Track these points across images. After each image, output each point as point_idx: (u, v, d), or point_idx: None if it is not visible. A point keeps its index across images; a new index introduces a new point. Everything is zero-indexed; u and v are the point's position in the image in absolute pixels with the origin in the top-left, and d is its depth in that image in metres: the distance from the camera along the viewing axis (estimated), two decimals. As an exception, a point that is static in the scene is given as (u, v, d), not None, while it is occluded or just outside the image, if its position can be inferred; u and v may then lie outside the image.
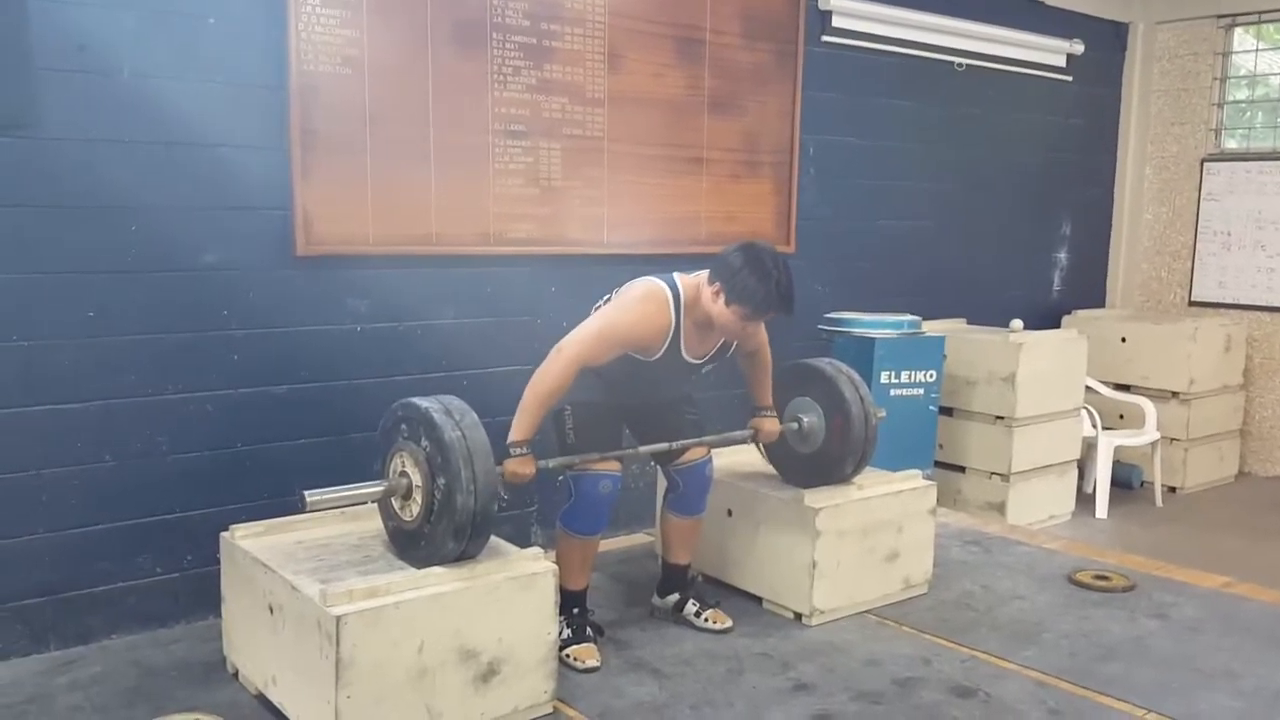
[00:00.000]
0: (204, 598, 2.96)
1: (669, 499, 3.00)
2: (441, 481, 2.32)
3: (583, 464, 2.70)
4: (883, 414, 3.13)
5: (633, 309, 2.64)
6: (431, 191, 3.35)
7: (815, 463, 3.12)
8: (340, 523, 2.77)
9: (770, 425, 3.05)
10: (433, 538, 2.37)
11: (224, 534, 2.65)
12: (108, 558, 2.89)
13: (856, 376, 3.11)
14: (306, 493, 2.34)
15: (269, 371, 3.10)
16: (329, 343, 3.20)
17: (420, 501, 2.38)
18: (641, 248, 3.85)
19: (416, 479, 2.39)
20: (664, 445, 2.85)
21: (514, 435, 2.55)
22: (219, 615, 2.72)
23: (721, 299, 2.59)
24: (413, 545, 2.44)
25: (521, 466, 2.54)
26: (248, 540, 2.59)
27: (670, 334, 2.66)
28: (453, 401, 2.43)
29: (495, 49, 3.44)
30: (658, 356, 2.69)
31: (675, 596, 3.02)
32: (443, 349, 3.45)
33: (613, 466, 2.74)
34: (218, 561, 2.68)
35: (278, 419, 3.12)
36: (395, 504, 2.47)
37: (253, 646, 2.52)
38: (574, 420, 2.76)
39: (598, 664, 2.67)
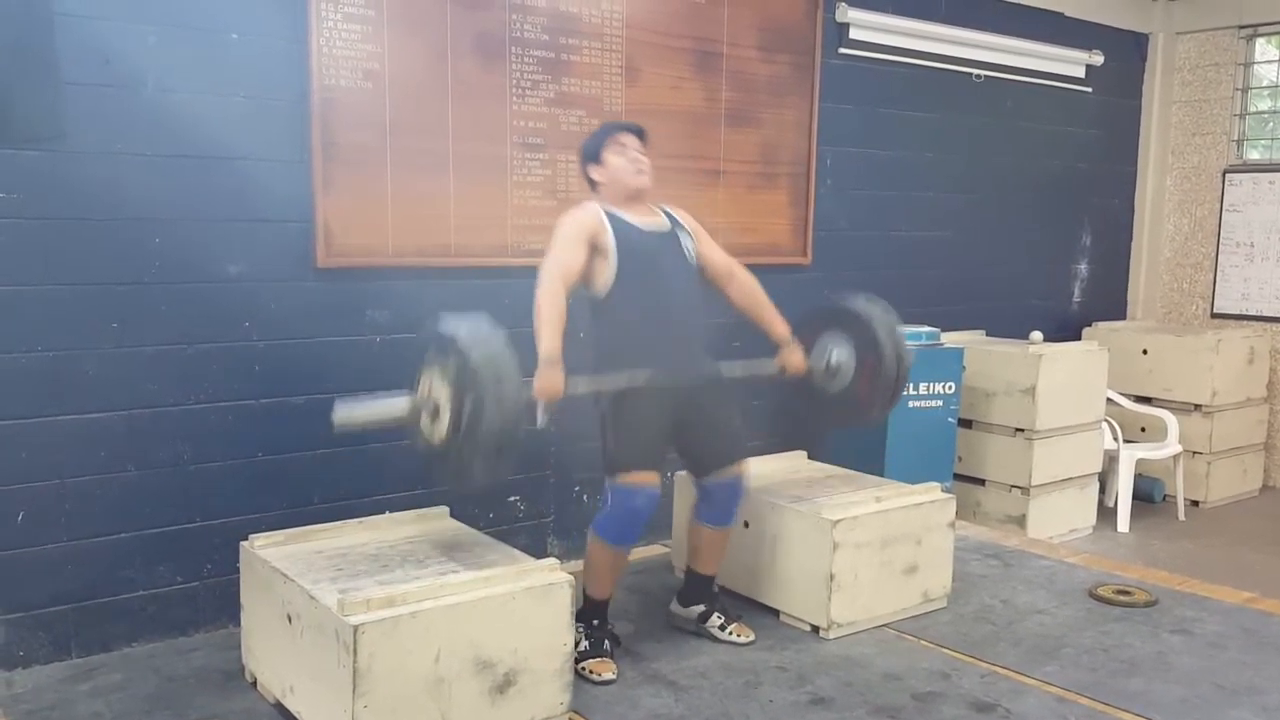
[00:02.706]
0: (223, 606, 2.98)
1: (700, 510, 2.95)
2: (468, 399, 2.30)
3: (623, 474, 2.68)
4: (913, 356, 3.04)
5: (564, 218, 2.75)
6: (450, 203, 3.37)
7: (842, 402, 3.02)
8: (359, 532, 2.79)
9: (798, 358, 2.97)
10: (460, 456, 2.35)
11: (243, 543, 2.67)
12: (129, 566, 2.91)
13: (893, 316, 3.02)
14: (336, 408, 2.35)
15: (290, 382, 3.13)
16: (349, 353, 3.23)
17: (448, 421, 2.35)
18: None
19: (444, 398, 2.36)
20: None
21: (541, 352, 2.54)
22: (238, 624, 2.74)
23: (597, 167, 2.81)
24: (441, 465, 2.44)
25: (549, 381, 2.50)
26: (267, 549, 2.61)
27: (609, 221, 2.72)
28: (481, 322, 2.41)
29: (514, 63, 3.47)
30: (618, 250, 2.69)
31: (700, 608, 2.99)
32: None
33: (651, 480, 2.69)
34: (237, 570, 2.70)
35: (298, 429, 3.15)
36: (425, 421, 2.44)
37: (271, 655, 2.54)
38: (613, 427, 2.72)
39: (614, 677, 2.66)
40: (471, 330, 2.38)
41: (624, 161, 2.78)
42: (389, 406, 2.46)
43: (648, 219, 2.81)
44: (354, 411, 2.38)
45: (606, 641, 2.75)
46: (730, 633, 2.94)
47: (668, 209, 2.90)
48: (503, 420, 2.29)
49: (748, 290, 2.96)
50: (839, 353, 2.99)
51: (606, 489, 2.74)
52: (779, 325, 2.99)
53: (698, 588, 3.02)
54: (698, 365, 2.81)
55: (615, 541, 2.74)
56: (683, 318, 2.79)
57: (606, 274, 2.71)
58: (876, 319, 2.98)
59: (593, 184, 2.85)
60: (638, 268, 2.72)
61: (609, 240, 2.71)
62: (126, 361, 2.86)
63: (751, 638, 2.93)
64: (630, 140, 2.80)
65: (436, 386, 2.40)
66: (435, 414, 2.41)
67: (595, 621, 2.77)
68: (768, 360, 2.97)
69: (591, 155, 2.83)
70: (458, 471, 2.39)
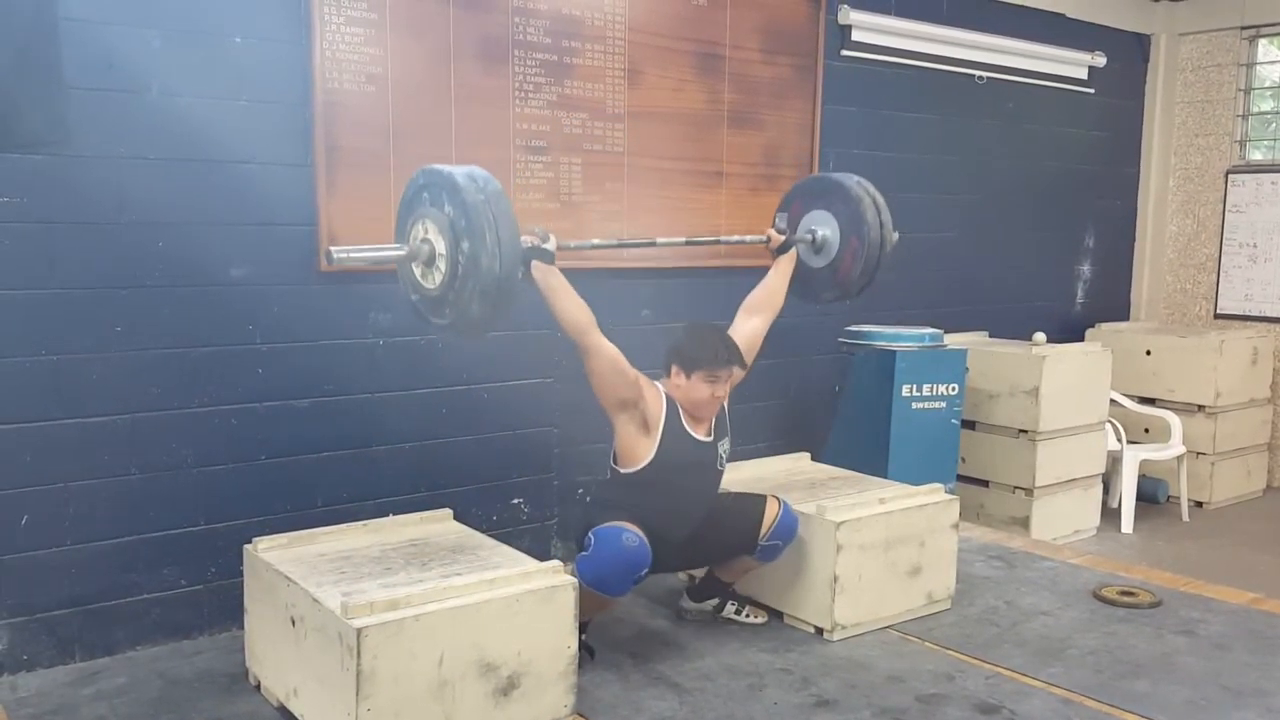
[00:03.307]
0: (227, 609, 2.98)
1: (757, 552, 2.91)
2: (466, 245, 2.28)
3: (606, 523, 2.63)
4: (896, 236, 3.14)
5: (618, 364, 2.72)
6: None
7: (824, 277, 3.18)
8: (363, 535, 2.79)
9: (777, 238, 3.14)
10: (458, 302, 2.33)
11: (247, 546, 2.67)
12: (133, 569, 2.92)
13: (880, 199, 3.10)
14: (333, 248, 2.33)
15: (293, 385, 3.13)
16: (352, 357, 3.23)
17: (444, 268, 2.33)
18: (661, 261, 3.87)
19: (440, 245, 2.33)
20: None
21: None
22: (242, 627, 2.74)
23: (683, 375, 2.75)
24: (437, 312, 2.42)
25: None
26: (270, 552, 2.61)
27: (665, 408, 2.75)
28: (476, 170, 2.36)
29: (516, 66, 3.47)
30: (663, 435, 2.72)
31: (715, 600, 3.10)
32: (464, 363, 3.46)
33: (639, 530, 2.61)
34: (241, 573, 2.70)
35: (301, 432, 3.15)
36: (417, 271, 2.41)
37: (275, 658, 2.54)
38: (600, 511, 2.71)
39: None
40: (469, 173, 2.33)
41: (709, 395, 2.74)
42: (385, 254, 2.44)
43: (701, 427, 2.82)
44: (351, 254, 2.36)
45: (579, 650, 2.63)
46: (746, 614, 3.08)
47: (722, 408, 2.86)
48: (502, 267, 2.26)
49: (768, 299, 3.10)
50: (823, 232, 3.11)
51: (589, 536, 2.63)
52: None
53: (714, 587, 3.10)
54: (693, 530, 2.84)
55: (601, 589, 2.58)
56: (691, 523, 2.83)
57: (639, 458, 2.73)
58: (865, 201, 3.07)
59: (669, 375, 2.80)
60: (671, 473, 2.75)
61: (659, 428, 2.73)
62: (130, 365, 2.86)
63: (764, 618, 3.08)
64: (726, 376, 2.76)
65: (431, 234, 2.34)
66: (430, 261, 2.36)
67: None
68: (754, 236, 3.18)
69: (686, 363, 2.75)
70: (455, 319, 2.36)
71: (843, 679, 2.70)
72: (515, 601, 2.33)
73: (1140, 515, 4.95)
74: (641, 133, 3.79)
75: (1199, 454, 5.24)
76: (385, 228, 3.24)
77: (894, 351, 4.14)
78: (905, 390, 4.14)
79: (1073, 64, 5.33)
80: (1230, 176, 5.73)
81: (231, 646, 2.87)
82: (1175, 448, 5.06)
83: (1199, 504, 5.28)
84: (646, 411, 2.73)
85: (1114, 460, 4.97)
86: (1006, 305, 5.27)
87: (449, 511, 2.99)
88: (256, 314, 3.05)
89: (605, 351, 2.65)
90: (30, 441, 2.74)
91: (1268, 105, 5.81)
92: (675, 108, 3.87)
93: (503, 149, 3.47)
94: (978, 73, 4.94)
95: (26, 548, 2.76)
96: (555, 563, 2.51)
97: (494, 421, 3.54)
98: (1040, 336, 4.71)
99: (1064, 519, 4.68)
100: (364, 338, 3.26)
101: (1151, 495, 5.20)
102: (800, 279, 3.21)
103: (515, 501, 3.64)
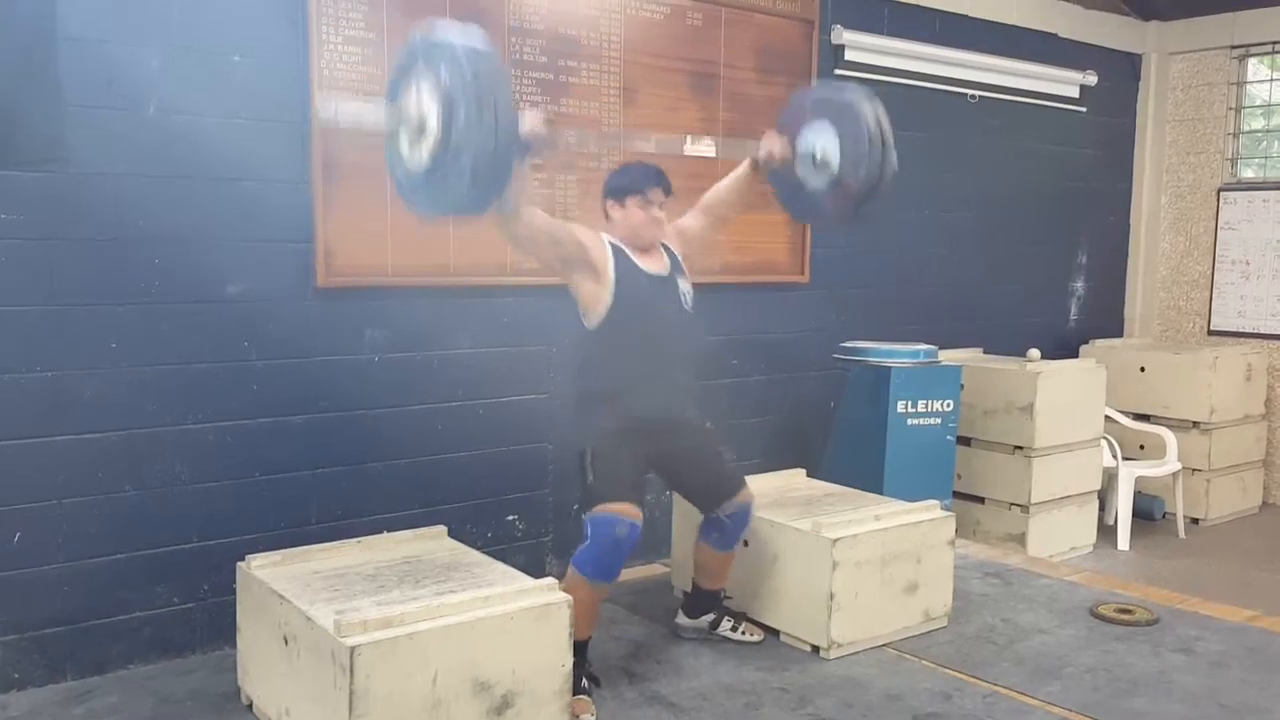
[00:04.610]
0: (220, 627, 2.96)
1: (710, 536, 2.98)
2: (461, 114, 2.13)
3: (604, 506, 2.65)
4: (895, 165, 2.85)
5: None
6: (450, 223, 3.38)
7: (819, 198, 2.88)
8: (357, 552, 2.78)
9: (779, 145, 2.88)
10: (446, 178, 2.19)
11: (240, 563, 2.66)
12: (126, 587, 2.90)
13: (887, 125, 2.79)
14: (320, 107, 2.27)
15: (288, 402, 3.13)
16: (347, 373, 3.23)
17: (435, 139, 2.18)
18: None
19: (433, 113, 2.17)
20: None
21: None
22: (235, 645, 2.72)
23: (618, 207, 2.78)
24: (423, 189, 2.27)
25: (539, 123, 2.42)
26: (264, 570, 2.60)
27: (611, 252, 2.73)
28: (475, 32, 2.23)
29: (514, 84, 3.49)
30: (616, 283, 2.70)
31: (710, 616, 3.09)
32: (459, 379, 3.46)
33: (631, 512, 2.65)
34: (234, 591, 2.69)
35: (296, 449, 3.14)
36: (404, 144, 2.26)
37: (268, 677, 2.52)
38: (595, 463, 2.71)
39: (593, 718, 2.59)
40: (466, 38, 2.19)
41: (645, 217, 2.78)
42: (373, 116, 2.31)
43: (651, 261, 2.83)
44: (339, 114, 2.30)
45: (585, 681, 2.66)
46: (742, 632, 3.07)
47: (668, 245, 2.90)
48: (498, 142, 2.15)
49: (718, 199, 3.05)
50: (825, 144, 2.79)
51: (586, 523, 2.68)
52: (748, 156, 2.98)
53: (704, 600, 3.09)
54: (681, 409, 2.86)
55: (595, 576, 2.65)
56: (670, 365, 2.81)
57: (601, 304, 2.71)
58: (865, 111, 2.78)
59: (606, 216, 2.84)
60: (633, 309, 2.73)
61: (609, 269, 2.72)
62: (125, 381, 2.86)
63: (761, 636, 3.05)
64: (656, 196, 2.79)
65: (425, 100, 2.19)
66: (421, 130, 2.20)
67: (575, 660, 2.70)
68: (752, 143, 2.90)
69: (615, 193, 2.81)
70: (441, 196, 2.25)
71: (839, 698, 2.69)
72: (510, 619, 2.32)
73: (1136, 532, 4.95)
74: (637, 151, 3.80)
75: (1194, 470, 5.24)
76: (380, 245, 3.25)
77: (889, 368, 4.14)
78: (900, 406, 4.14)
79: (1065, 83, 5.37)
80: (1222, 194, 5.76)
81: (224, 665, 2.85)
82: (1171, 464, 5.06)
83: (1195, 520, 5.28)
84: (592, 259, 2.71)
85: (1110, 477, 4.97)
86: (1001, 322, 5.29)
87: (443, 528, 2.99)
88: (252, 330, 3.05)
89: (536, 218, 2.58)
90: (24, 457, 2.73)
91: (1258, 124, 5.86)
92: (670, 126, 3.89)
93: (499, 166, 3.47)
94: (970, 92, 4.98)
95: (19, 565, 2.74)
96: (550, 580, 2.50)
97: (488, 438, 3.53)
98: (1035, 353, 4.73)
99: (1060, 536, 4.68)
100: (359, 354, 3.26)
101: (1148, 512, 5.20)
102: (795, 196, 2.99)
103: (510, 518, 3.63)
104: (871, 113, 2.79)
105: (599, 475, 2.70)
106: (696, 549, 3.05)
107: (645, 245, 2.82)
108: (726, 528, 2.95)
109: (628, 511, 2.64)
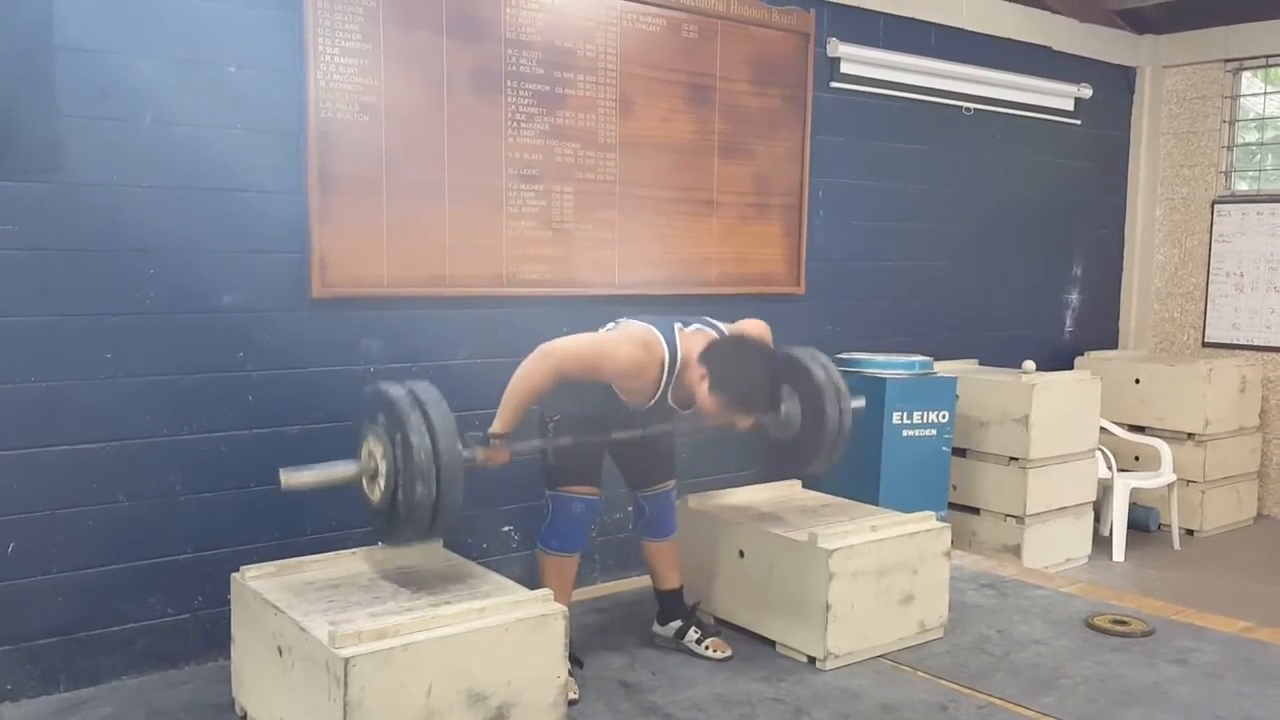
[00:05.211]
0: (214, 638, 2.95)
1: (640, 525, 3.08)
2: (403, 467, 2.36)
3: (564, 487, 2.81)
4: (861, 403, 3.08)
5: (632, 347, 2.67)
6: (446, 234, 3.39)
7: (788, 452, 3.04)
8: (352, 563, 2.77)
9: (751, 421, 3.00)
10: (393, 520, 2.43)
11: (235, 574, 2.65)
12: (120, 598, 2.89)
13: (841, 384, 2.97)
14: (282, 472, 2.37)
15: (283, 412, 3.12)
16: (342, 384, 3.23)
17: (384, 486, 2.43)
18: (653, 289, 3.88)
19: (381, 463, 2.43)
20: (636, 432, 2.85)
21: (495, 428, 2.63)
22: (229, 656, 2.71)
23: (706, 384, 2.65)
24: (380, 526, 2.52)
25: (498, 455, 2.61)
26: (258, 581, 2.59)
27: (659, 390, 2.73)
28: (424, 389, 2.44)
29: (509, 96, 3.50)
30: (648, 406, 2.75)
31: (677, 624, 3.07)
32: (455, 389, 3.42)
33: (589, 491, 2.84)
34: (228, 602, 2.68)
35: (291, 459, 3.10)
36: (365, 485, 2.51)
37: (262, 688, 2.51)
38: (555, 436, 2.82)
39: (577, 697, 2.67)
40: (409, 397, 2.40)
41: (714, 412, 2.68)
42: (336, 474, 2.49)
43: (685, 401, 2.80)
44: (302, 475, 2.41)
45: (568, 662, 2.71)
46: (707, 647, 3.02)
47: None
48: (439, 489, 2.34)
49: None
50: (786, 407, 2.99)
51: (548, 500, 2.85)
52: None
53: (670, 604, 3.10)
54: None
55: (560, 549, 2.85)
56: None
57: (611, 382, 2.73)
58: (821, 377, 2.95)
59: (699, 370, 2.67)
60: (633, 413, 2.78)
61: (632, 393, 2.73)
62: (120, 392, 2.85)
63: (728, 653, 3.00)
64: (740, 413, 2.71)
65: (375, 451, 2.45)
66: (374, 476, 2.47)
67: None
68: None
69: (719, 385, 2.63)
70: (394, 535, 2.48)
71: (835, 709, 2.69)
72: (505, 630, 2.31)
73: (1132, 543, 4.95)
74: (633, 162, 3.82)
75: (1189, 482, 5.25)
76: (376, 256, 3.26)
77: (884, 379, 4.15)
78: (896, 418, 4.15)
79: (1059, 95, 5.40)
80: (1216, 207, 5.79)
81: (218, 676, 2.84)
82: (1166, 476, 5.07)
83: (1190, 532, 5.28)
84: (623, 389, 2.72)
85: (1105, 488, 4.98)
86: (995, 333, 5.30)
87: (439, 540, 2.98)
88: (248, 341, 3.05)
89: (566, 364, 2.63)
90: (18, 468, 2.73)
91: (1252, 137, 5.89)
92: (666, 138, 3.91)
93: (495, 177, 3.49)
94: (965, 104, 5.01)
95: (12, 576, 2.73)
96: (545, 591, 2.50)
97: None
98: (1030, 364, 4.74)
99: (1055, 547, 4.68)
100: (355, 365, 3.26)
101: (1143, 523, 5.21)
102: (763, 450, 3.15)
103: (505, 529, 3.62)
104: (830, 382, 2.94)
105: (558, 456, 2.82)
106: (642, 550, 3.12)
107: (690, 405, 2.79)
108: (646, 513, 3.03)
109: (585, 491, 2.84)
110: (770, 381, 2.74)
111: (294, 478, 2.39)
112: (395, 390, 2.42)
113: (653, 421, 2.83)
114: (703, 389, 2.66)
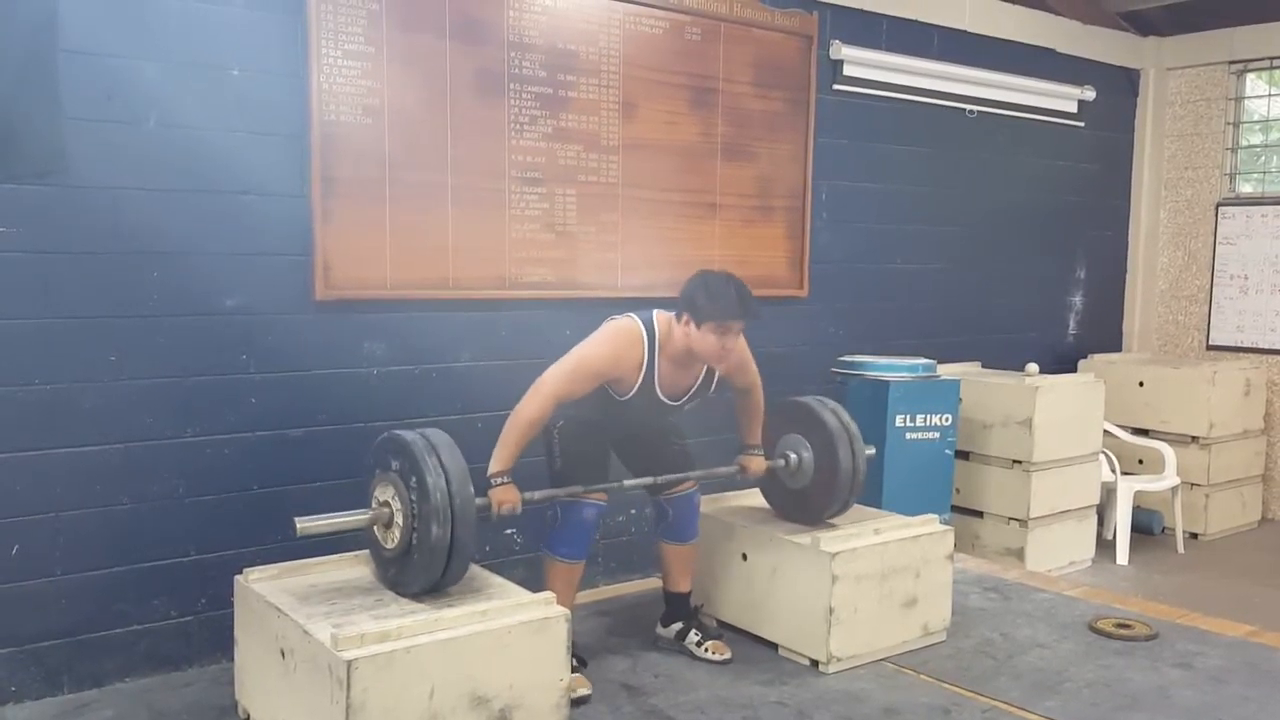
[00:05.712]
0: (217, 641, 2.96)
1: (660, 528, 3.08)
2: (418, 512, 2.40)
3: (568, 496, 2.78)
4: (871, 451, 3.17)
5: (604, 344, 2.76)
6: (449, 236, 3.39)
7: (801, 500, 3.18)
8: (354, 566, 2.77)
9: (757, 464, 3.13)
10: (406, 566, 2.46)
11: (238, 577, 2.65)
12: (123, 600, 2.89)
13: (846, 417, 3.15)
14: (297, 520, 2.40)
15: (286, 415, 3.13)
16: (346, 386, 3.23)
17: (399, 532, 2.45)
18: (655, 291, 3.88)
19: (397, 509, 2.46)
20: (649, 480, 2.94)
21: (494, 467, 2.65)
22: (231, 659, 2.71)
23: (693, 325, 2.71)
24: (392, 573, 2.53)
25: (506, 495, 2.63)
26: (261, 583, 2.60)
27: (644, 370, 2.75)
28: (436, 434, 2.49)
29: (512, 99, 3.51)
30: (632, 394, 2.78)
31: (678, 625, 3.08)
32: (458, 392, 3.47)
33: (598, 496, 2.82)
34: (231, 604, 2.68)
35: (294, 462, 3.14)
36: (378, 532, 2.53)
37: (264, 690, 2.51)
38: (561, 446, 2.86)
39: (589, 692, 2.70)
40: (423, 442, 2.44)
41: (715, 348, 2.71)
42: (350, 521, 2.53)
43: (675, 387, 2.84)
44: (317, 522, 2.45)
45: (574, 660, 2.71)
46: (706, 650, 3.02)
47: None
48: (454, 533, 2.37)
49: (751, 405, 3.08)
50: (797, 456, 3.14)
51: (555, 505, 2.82)
52: (755, 436, 3.12)
53: (675, 606, 3.11)
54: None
55: (568, 556, 2.83)
56: (650, 430, 2.96)
57: (595, 388, 2.77)
58: (835, 426, 3.09)
59: (677, 317, 2.75)
60: (621, 405, 2.81)
61: (623, 384, 2.76)
62: (123, 394, 2.86)
63: (728, 655, 3.01)
64: (737, 326, 2.73)
65: (389, 497, 2.49)
66: (389, 524, 2.50)
67: None
68: (727, 468, 3.12)
69: (696, 313, 2.70)
70: (407, 582, 2.49)
71: (838, 712, 2.68)
72: (507, 633, 2.31)
73: (1135, 546, 4.94)
74: (636, 165, 3.82)
75: (1193, 485, 5.24)
76: (379, 259, 3.26)
77: (887, 382, 4.15)
78: (899, 420, 4.14)
79: (1063, 98, 5.40)
80: (1220, 209, 5.78)
81: (221, 678, 2.85)
82: (1169, 479, 5.05)
83: (1194, 535, 5.27)
84: (618, 383, 2.77)
85: (1108, 491, 4.97)
86: (999, 336, 5.29)
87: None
88: (250, 343, 3.06)
89: (550, 403, 2.69)
90: (22, 471, 2.73)
91: (1256, 139, 5.88)
92: (669, 140, 3.91)
93: (498, 180, 3.49)
94: (969, 106, 5.00)
95: (16, 578, 2.74)
96: (548, 594, 2.50)
97: (487, 452, 3.50)
98: (1033, 367, 4.73)
99: (1059, 550, 4.67)
100: (358, 367, 3.26)
101: (1146, 527, 5.19)
102: (778, 499, 3.28)
103: (508, 532, 3.62)
104: (841, 427, 3.09)
105: (566, 460, 2.84)
106: (657, 550, 3.13)
107: (691, 366, 2.82)
108: (669, 517, 3.02)
109: (593, 496, 2.81)
110: (747, 292, 2.75)
111: (309, 525, 2.43)
112: (409, 435, 2.47)
113: (644, 410, 2.84)
114: (692, 332, 2.71)
